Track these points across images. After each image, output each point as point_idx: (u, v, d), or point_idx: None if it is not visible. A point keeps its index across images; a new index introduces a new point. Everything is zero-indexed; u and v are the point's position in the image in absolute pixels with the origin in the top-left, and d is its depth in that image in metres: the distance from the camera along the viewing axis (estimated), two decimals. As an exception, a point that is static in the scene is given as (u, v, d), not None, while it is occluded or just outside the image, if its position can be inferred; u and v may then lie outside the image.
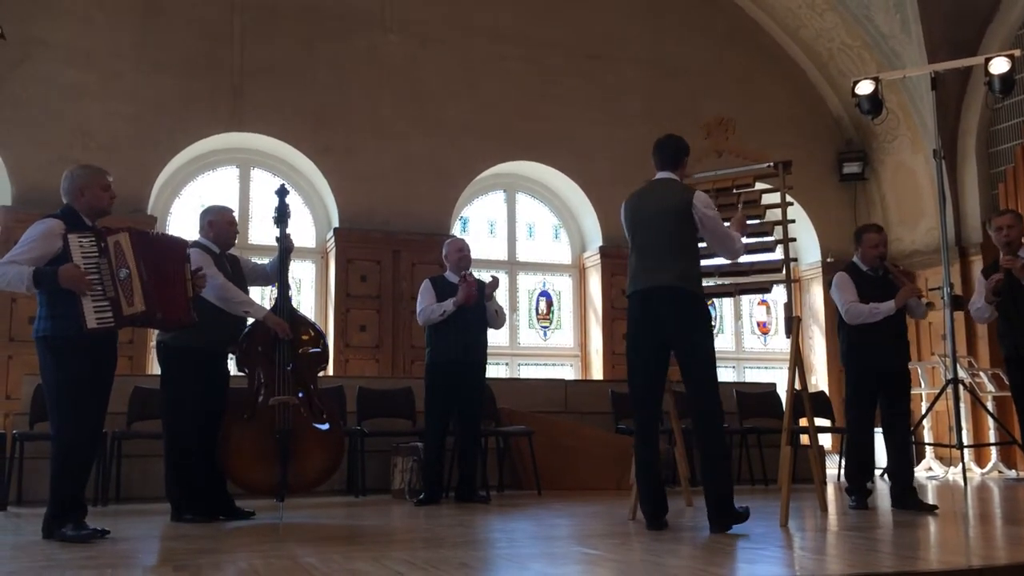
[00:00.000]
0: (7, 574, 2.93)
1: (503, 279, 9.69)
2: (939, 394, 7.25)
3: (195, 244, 4.75)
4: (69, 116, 8.08)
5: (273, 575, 2.78)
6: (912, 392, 8.75)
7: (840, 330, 5.21)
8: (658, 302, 4.07)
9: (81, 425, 3.86)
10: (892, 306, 4.98)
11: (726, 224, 4.46)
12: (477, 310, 5.71)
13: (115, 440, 5.82)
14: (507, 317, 6.32)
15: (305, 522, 4.64)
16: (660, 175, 4.30)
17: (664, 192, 4.22)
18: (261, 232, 8.77)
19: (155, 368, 8.16)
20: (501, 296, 9.80)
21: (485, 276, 6.03)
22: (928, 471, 8.62)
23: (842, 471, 6.77)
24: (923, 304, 5.08)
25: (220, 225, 4.82)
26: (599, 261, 9.63)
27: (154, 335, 8.01)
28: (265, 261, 5.22)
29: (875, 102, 8.30)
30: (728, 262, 4.83)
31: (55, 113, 8.05)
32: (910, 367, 8.71)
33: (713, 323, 9.99)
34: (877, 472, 5.27)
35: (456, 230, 9.42)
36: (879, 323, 5.00)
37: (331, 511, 5.28)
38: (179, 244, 4.21)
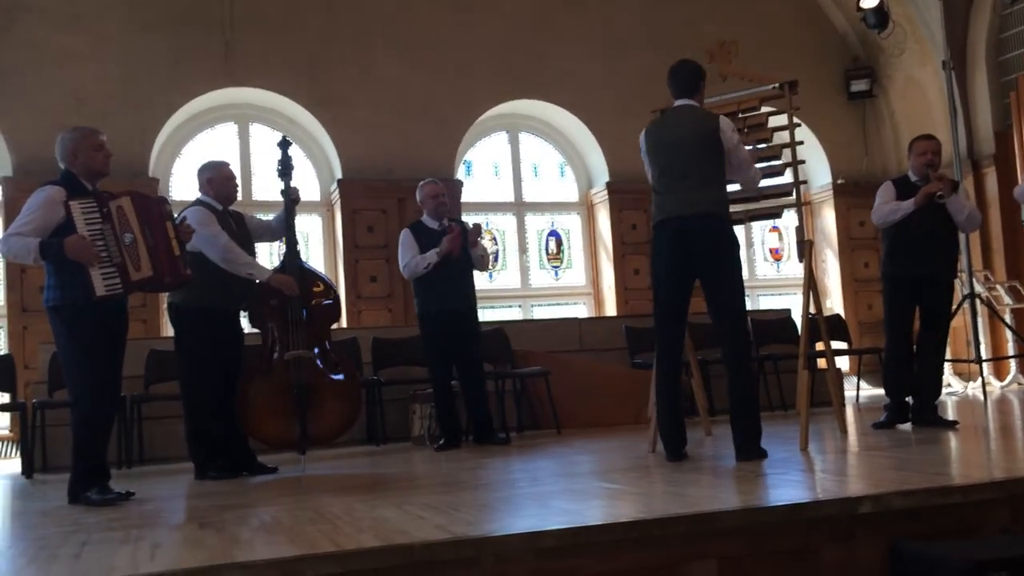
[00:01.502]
0: (36, 539, 2.96)
1: (511, 221, 9.62)
2: (956, 309, 7.16)
3: (197, 203, 4.71)
4: (62, 81, 7.97)
5: (297, 526, 2.79)
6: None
7: (883, 240, 5.07)
8: (691, 230, 3.97)
9: (98, 390, 3.88)
10: (911, 204, 4.81)
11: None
12: (462, 256, 5.64)
13: (134, 403, 5.87)
14: (491, 258, 6.26)
15: (327, 473, 4.68)
16: (679, 102, 4.17)
17: (689, 119, 4.10)
18: (264, 187, 8.70)
19: (169, 330, 8.24)
20: (510, 239, 9.79)
21: (471, 224, 5.93)
22: (947, 387, 8.60)
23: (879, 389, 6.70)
24: (957, 206, 4.82)
25: (219, 181, 4.76)
26: (607, 197, 9.52)
27: (165, 297, 8.04)
28: (270, 217, 5.17)
29: (881, 15, 8.11)
30: (738, 188, 4.75)
31: (47, 79, 7.94)
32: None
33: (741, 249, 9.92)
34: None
35: (460, 174, 9.32)
36: (914, 230, 4.82)
37: (353, 461, 5.32)
38: (160, 202, 4.11)
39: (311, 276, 4.89)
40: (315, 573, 2.22)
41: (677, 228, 4.01)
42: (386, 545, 2.34)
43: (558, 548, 2.42)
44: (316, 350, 4.69)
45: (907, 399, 4.99)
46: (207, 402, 4.62)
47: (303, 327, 4.67)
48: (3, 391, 6.11)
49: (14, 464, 6.39)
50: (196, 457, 4.66)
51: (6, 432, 7.62)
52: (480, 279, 9.16)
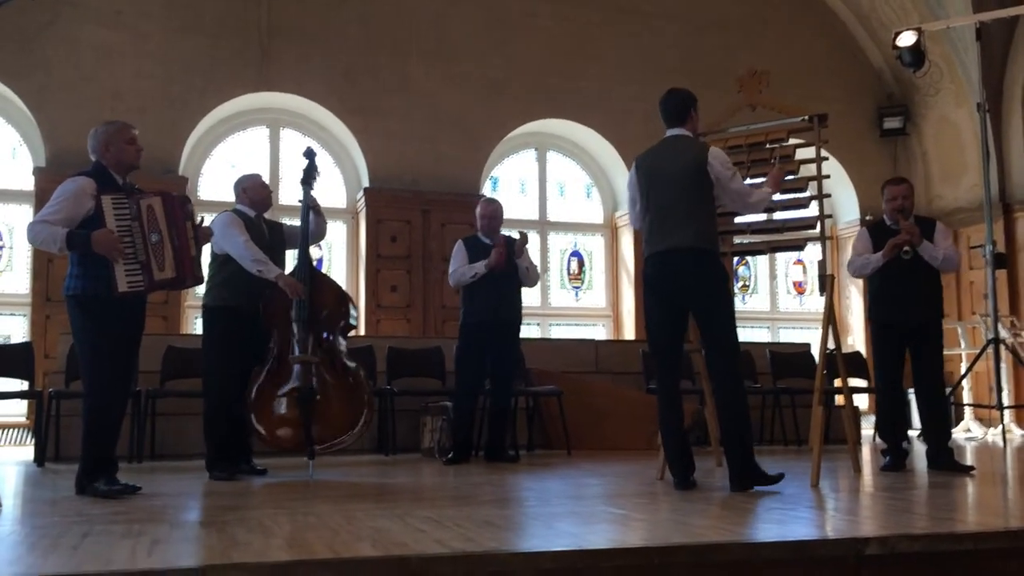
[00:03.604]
0: (39, 527, 2.97)
1: (534, 239, 9.62)
2: (979, 354, 7.09)
3: (232, 211, 4.87)
4: (100, 78, 8.10)
5: (296, 531, 2.78)
6: (952, 352, 8.63)
7: (866, 287, 5.11)
8: (675, 264, 3.98)
9: (111, 382, 3.90)
10: (880, 257, 4.83)
11: (760, 180, 4.35)
12: (509, 270, 5.68)
13: (149, 398, 5.90)
14: (539, 274, 6.28)
15: (334, 480, 4.67)
16: (670, 132, 4.16)
17: (678, 150, 4.08)
18: (291, 192, 8.77)
19: (188, 328, 8.30)
20: (532, 256, 9.73)
21: (516, 233, 5.98)
22: (967, 432, 8.48)
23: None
24: (930, 255, 4.79)
25: (253, 189, 4.93)
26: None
27: (189, 295, 8.11)
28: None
29: (917, 54, 8.02)
30: (762, 219, 4.74)
31: (86, 75, 8.07)
32: (949, 326, 8.58)
33: (742, 282, 9.85)
34: (914, 433, 5.15)
35: (486, 189, 9.35)
36: (899, 276, 4.83)
37: (361, 470, 5.31)
38: (183, 201, 4.15)
39: (321, 282, 4.92)
40: (310, 579, 2.21)
41: (662, 262, 4.01)
42: (383, 556, 2.33)
43: (556, 570, 2.39)
44: (321, 353, 4.70)
45: (903, 444, 4.96)
46: (223, 400, 4.69)
47: (310, 331, 4.70)
48: (22, 379, 6.17)
49: (28, 451, 6.44)
50: (209, 450, 4.71)
51: (23, 420, 7.70)
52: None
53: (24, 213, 7.99)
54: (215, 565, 2.21)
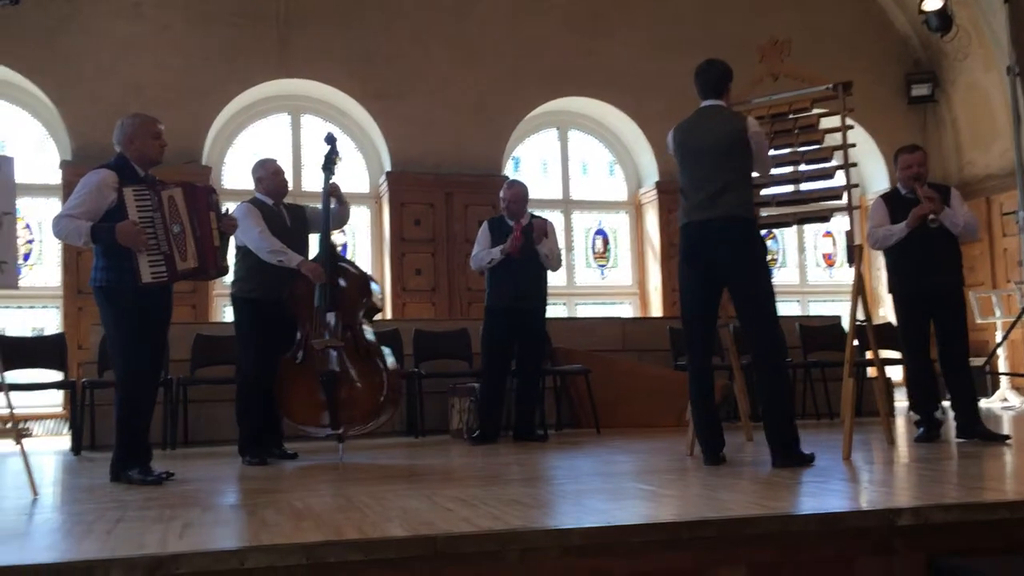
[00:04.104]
0: (75, 514, 3.02)
1: (558, 218, 9.59)
2: (1015, 322, 6.99)
3: (251, 201, 4.90)
4: (121, 69, 8.15)
5: (327, 513, 2.80)
6: (987, 321, 8.49)
7: (885, 258, 5.02)
8: (713, 234, 3.93)
9: (141, 371, 3.95)
10: (903, 227, 4.75)
11: (783, 151, 4.31)
12: (530, 255, 5.66)
13: (180, 386, 5.97)
14: (563, 257, 6.24)
15: (364, 462, 4.71)
16: (705, 103, 4.14)
17: (715, 121, 4.06)
18: (314, 179, 8.79)
19: (217, 316, 8.38)
20: (557, 236, 9.68)
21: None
22: (1003, 401, 8.35)
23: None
24: (954, 224, 4.73)
25: (267, 178, 4.94)
26: (656, 197, 9.43)
27: (217, 283, 8.18)
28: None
29: (944, 18, 7.89)
30: (788, 191, 4.69)
31: (107, 67, 8.12)
32: (983, 294, 8.45)
33: (770, 256, 9.70)
34: (947, 403, 5.08)
35: (508, 170, 9.31)
36: (917, 245, 4.74)
37: (390, 452, 5.34)
38: (207, 191, 4.17)
39: (343, 265, 4.93)
40: (338, 559, 2.23)
41: (700, 231, 3.98)
42: (410, 535, 2.34)
43: (584, 546, 2.39)
44: (346, 336, 4.71)
45: (936, 413, 4.89)
46: (253, 386, 4.73)
47: (333, 316, 4.71)
48: (56, 370, 6.27)
49: (64, 441, 6.55)
50: (241, 436, 4.76)
51: (58, 410, 7.83)
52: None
53: (52, 207, 8.07)
54: (246, 548, 2.23)
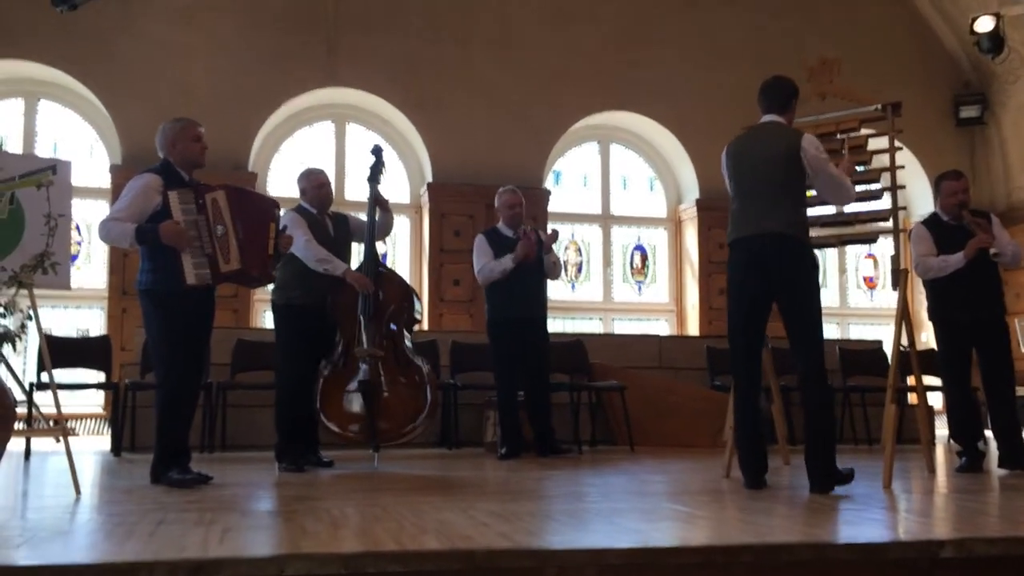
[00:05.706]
0: (116, 515, 3.07)
1: (597, 233, 9.57)
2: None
3: (296, 209, 4.96)
4: (172, 75, 8.30)
5: (364, 523, 2.82)
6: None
7: (925, 285, 4.94)
8: (765, 250, 3.87)
9: (182, 375, 4.01)
10: (961, 258, 4.68)
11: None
12: (535, 263, 5.64)
13: (220, 390, 6.04)
14: (563, 269, 6.23)
15: (399, 472, 4.73)
16: (765, 118, 4.08)
17: (771, 136, 4.00)
18: (357, 188, 8.88)
19: (258, 322, 8.48)
20: (595, 251, 9.74)
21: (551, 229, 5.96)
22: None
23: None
24: (1002, 253, 4.68)
25: (311, 190, 5.00)
26: (696, 214, 9.39)
27: (257, 291, 8.28)
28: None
29: (996, 40, 7.77)
30: (832, 212, 4.62)
31: (158, 72, 8.28)
32: (1017, 322, 8.27)
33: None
34: (990, 433, 4.99)
35: (549, 183, 9.33)
36: (961, 274, 4.69)
37: (424, 463, 5.36)
38: (269, 203, 4.28)
39: (387, 276, 4.97)
40: (377, 570, 2.24)
41: (749, 248, 3.92)
42: (449, 549, 2.34)
43: (621, 567, 2.38)
44: (386, 349, 4.75)
45: (979, 444, 4.81)
46: (293, 394, 4.78)
47: (376, 325, 4.76)
48: (99, 370, 6.38)
49: (104, 441, 6.66)
50: (279, 442, 4.81)
51: (99, 410, 7.96)
52: (562, 290, 9.19)
53: (101, 210, 8.24)
54: (286, 555, 2.26)
